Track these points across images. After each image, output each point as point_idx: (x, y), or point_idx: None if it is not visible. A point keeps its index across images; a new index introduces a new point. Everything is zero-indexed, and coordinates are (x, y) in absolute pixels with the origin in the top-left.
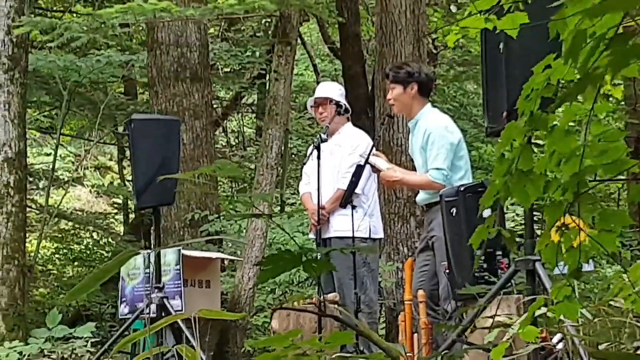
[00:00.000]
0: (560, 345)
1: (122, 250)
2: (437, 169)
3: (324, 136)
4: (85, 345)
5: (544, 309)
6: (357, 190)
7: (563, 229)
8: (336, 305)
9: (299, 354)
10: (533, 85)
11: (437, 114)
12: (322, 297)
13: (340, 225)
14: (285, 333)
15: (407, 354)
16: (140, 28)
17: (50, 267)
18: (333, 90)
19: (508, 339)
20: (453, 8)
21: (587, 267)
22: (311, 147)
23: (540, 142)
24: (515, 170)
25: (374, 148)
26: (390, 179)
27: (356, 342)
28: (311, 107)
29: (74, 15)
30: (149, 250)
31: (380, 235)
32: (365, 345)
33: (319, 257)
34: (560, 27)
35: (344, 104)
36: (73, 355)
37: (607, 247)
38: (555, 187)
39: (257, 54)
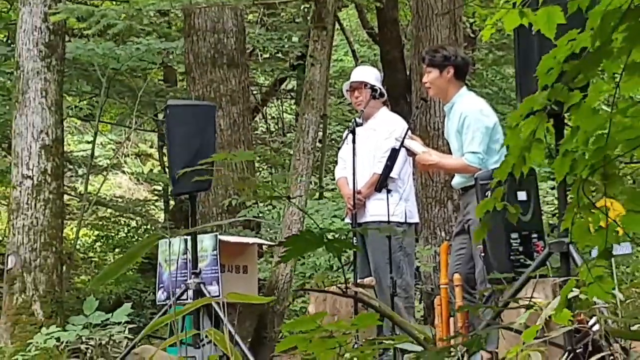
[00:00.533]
0: (596, 328)
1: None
2: (473, 152)
3: (359, 120)
4: (123, 331)
5: (576, 292)
6: (393, 175)
7: (591, 209)
8: (361, 289)
9: (324, 337)
10: (555, 56)
11: (472, 98)
12: (357, 280)
13: (376, 209)
14: (312, 315)
15: (442, 339)
16: (179, 15)
17: (91, 254)
18: (368, 74)
19: (541, 321)
20: None
21: (623, 250)
22: (346, 132)
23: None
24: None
25: (410, 132)
26: (426, 163)
27: (392, 327)
28: (347, 91)
29: (111, 2)
30: (170, 237)
31: (416, 219)
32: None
33: (354, 239)
34: (582, 3)
35: (379, 88)
36: (111, 342)
37: (637, 229)
38: (582, 166)
39: (296, 39)
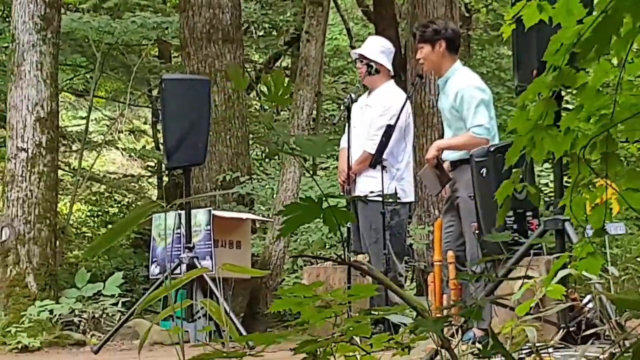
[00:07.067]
0: (590, 305)
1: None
2: (478, 125)
3: (354, 96)
4: (116, 304)
5: (570, 269)
6: (387, 152)
7: (590, 186)
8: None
9: (320, 306)
10: (562, 40)
11: (466, 73)
12: (346, 253)
13: (364, 186)
14: (309, 284)
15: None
16: None
17: (84, 229)
18: (368, 47)
19: (535, 296)
20: None
21: (617, 230)
22: (342, 107)
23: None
24: (541, 126)
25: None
26: (436, 149)
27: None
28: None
29: None
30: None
31: (409, 199)
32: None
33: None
34: None
35: (374, 65)
36: (104, 315)
37: (636, 205)
38: (583, 143)
39: (289, 15)
